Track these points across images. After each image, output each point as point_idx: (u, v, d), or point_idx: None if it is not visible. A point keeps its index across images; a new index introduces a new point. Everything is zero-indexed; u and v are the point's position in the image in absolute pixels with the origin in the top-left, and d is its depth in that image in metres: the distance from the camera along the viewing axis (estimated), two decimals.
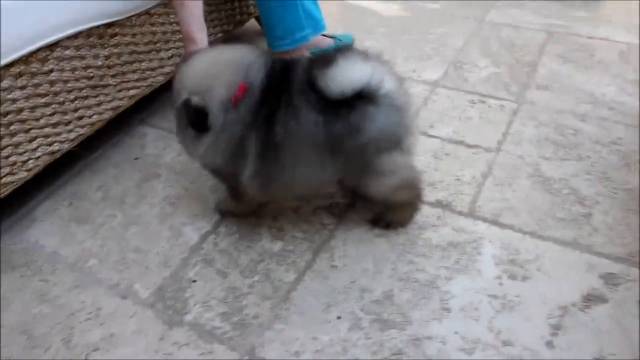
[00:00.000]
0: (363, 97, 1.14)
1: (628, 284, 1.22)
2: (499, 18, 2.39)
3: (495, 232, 1.36)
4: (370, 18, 2.51)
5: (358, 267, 1.31)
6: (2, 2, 1.33)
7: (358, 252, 1.35)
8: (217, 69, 1.23)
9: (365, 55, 1.17)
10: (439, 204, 1.45)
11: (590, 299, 1.19)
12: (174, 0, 1.49)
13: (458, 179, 1.53)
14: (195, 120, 1.22)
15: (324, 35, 2.10)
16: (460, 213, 1.43)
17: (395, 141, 1.20)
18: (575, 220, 1.38)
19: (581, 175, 1.50)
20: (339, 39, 2.15)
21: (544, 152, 1.59)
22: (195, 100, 1.21)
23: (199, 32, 1.45)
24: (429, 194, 1.48)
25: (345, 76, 1.12)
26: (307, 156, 1.20)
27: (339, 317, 1.20)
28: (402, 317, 1.19)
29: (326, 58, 1.17)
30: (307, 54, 1.96)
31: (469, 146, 1.65)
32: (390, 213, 1.38)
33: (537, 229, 1.36)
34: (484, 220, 1.40)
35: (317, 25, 1.93)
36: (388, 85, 1.16)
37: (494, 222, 1.39)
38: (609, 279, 1.23)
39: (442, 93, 1.90)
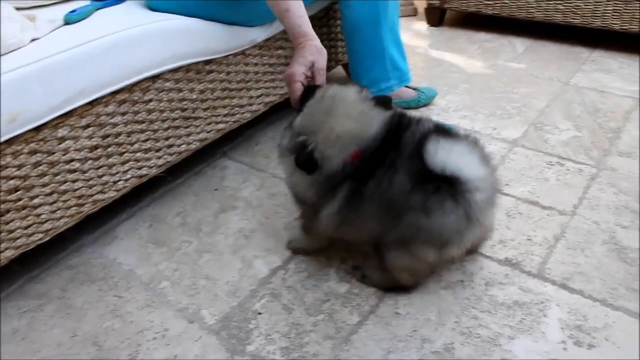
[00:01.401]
0: (452, 188, 1.14)
1: None
2: (585, 82, 2.36)
3: (564, 296, 1.34)
4: (454, 73, 2.54)
5: (421, 317, 1.31)
6: (118, 34, 1.46)
7: (423, 302, 1.35)
8: (344, 138, 1.24)
9: (487, 160, 1.21)
10: (507, 262, 1.44)
11: None
12: (277, 10, 1.50)
13: (529, 239, 1.52)
14: (305, 165, 1.26)
15: (408, 87, 2.15)
16: (529, 273, 1.41)
17: (444, 242, 1.20)
18: None
19: None
20: (422, 92, 2.19)
21: (622, 220, 1.56)
22: (315, 155, 1.24)
23: (310, 29, 1.46)
24: (498, 251, 1.48)
25: (456, 155, 1.15)
26: (381, 212, 1.23)
27: None
28: None
29: (450, 132, 1.21)
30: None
31: (544, 207, 1.63)
32: (375, 270, 1.39)
33: (608, 298, 1.33)
34: (553, 282, 1.38)
35: (402, 77, 1.98)
36: (480, 195, 1.16)
37: (563, 286, 1.36)
38: None
39: (521, 152, 1.90)
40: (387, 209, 1.22)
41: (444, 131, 1.21)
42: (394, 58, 1.91)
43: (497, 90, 2.35)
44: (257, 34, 1.81)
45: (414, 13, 3.36)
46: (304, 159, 1.25)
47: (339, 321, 1.32)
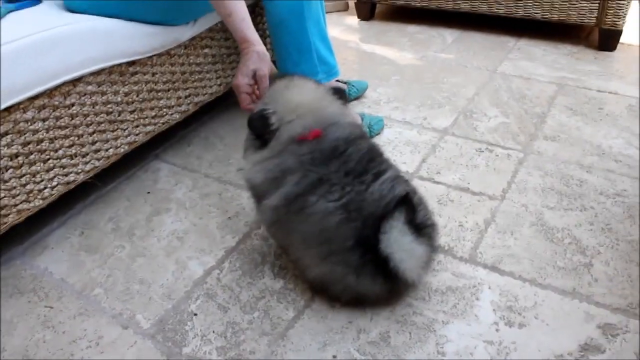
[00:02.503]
0: (387, 271, 1.17)
1: (626, 335, 1.21)
2: (511, 70, 2.43)
3: (495, 279, 1.37)
4: (385, 66, 2.57)
5: (356, 308, 1.32)
6: (31, 37, 1.40)
7: None
8: (303, 107, 1.31)
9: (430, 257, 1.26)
10: (440, 249, 1.47)
11: (587, 349, 1.19)
12: (221, 13, 1.52)
13: (461, 225, 1.55)
14: (256, 124, 1.31)
15: (338, 81, 2.16)
16: (461, 259, 1.44)
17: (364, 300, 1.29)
18: (575, 270, 1.38)
19: (584, 226, 1.52)
20: (353, 85, 2.21)
21: (548, 202, 1.61)
22: (272, 118, 1.30)
23: (253, 33, 1.50)
24: None
25: (407, 255, 1.17)
26: (313, 240, 1.26)
27: (334, 357, 1.21)
28: None
29: (414, 217, 1.21)
30: None
31: (474, 193, 1.67)
32: None
33: (537, 277, 1.37)
34: (484, 266, 1.41)
35: (330, 71, 1.98)
36: (405, 264, 1.18)
37: (494, 269, 1.40)
38: (607, 329, 1.23)
39: (451, 140, 1.94)
40: (320, 243, 1.24)
41: (409, 211, 1.20)
42: (320, 52, 1.91)
43: (427, 81, 2.39)
44: (181, 33, 1.78)
45: (345, 8, 3.38)
46: (255, 116, 1.31)
47: (274, 317, 1.31)
